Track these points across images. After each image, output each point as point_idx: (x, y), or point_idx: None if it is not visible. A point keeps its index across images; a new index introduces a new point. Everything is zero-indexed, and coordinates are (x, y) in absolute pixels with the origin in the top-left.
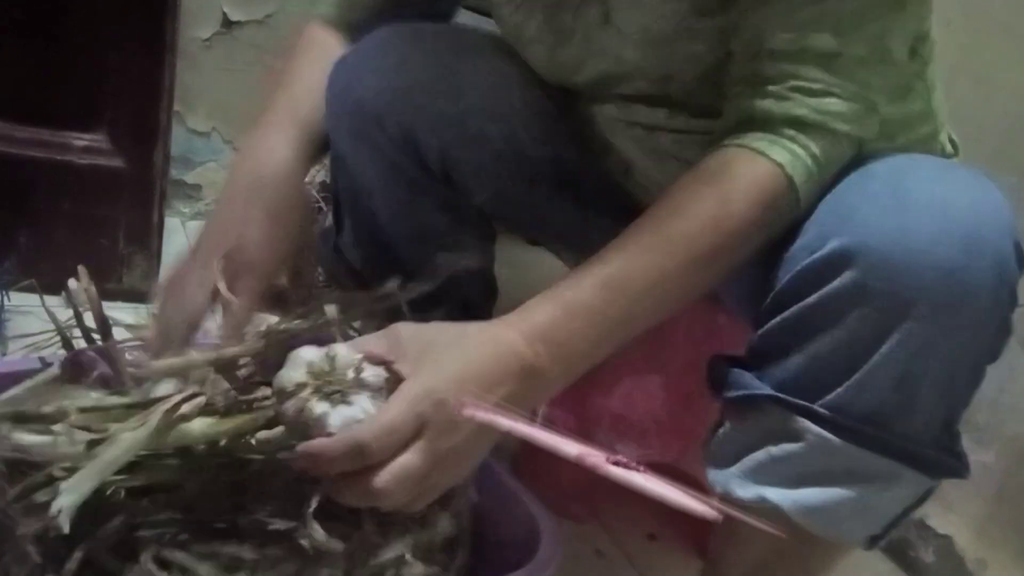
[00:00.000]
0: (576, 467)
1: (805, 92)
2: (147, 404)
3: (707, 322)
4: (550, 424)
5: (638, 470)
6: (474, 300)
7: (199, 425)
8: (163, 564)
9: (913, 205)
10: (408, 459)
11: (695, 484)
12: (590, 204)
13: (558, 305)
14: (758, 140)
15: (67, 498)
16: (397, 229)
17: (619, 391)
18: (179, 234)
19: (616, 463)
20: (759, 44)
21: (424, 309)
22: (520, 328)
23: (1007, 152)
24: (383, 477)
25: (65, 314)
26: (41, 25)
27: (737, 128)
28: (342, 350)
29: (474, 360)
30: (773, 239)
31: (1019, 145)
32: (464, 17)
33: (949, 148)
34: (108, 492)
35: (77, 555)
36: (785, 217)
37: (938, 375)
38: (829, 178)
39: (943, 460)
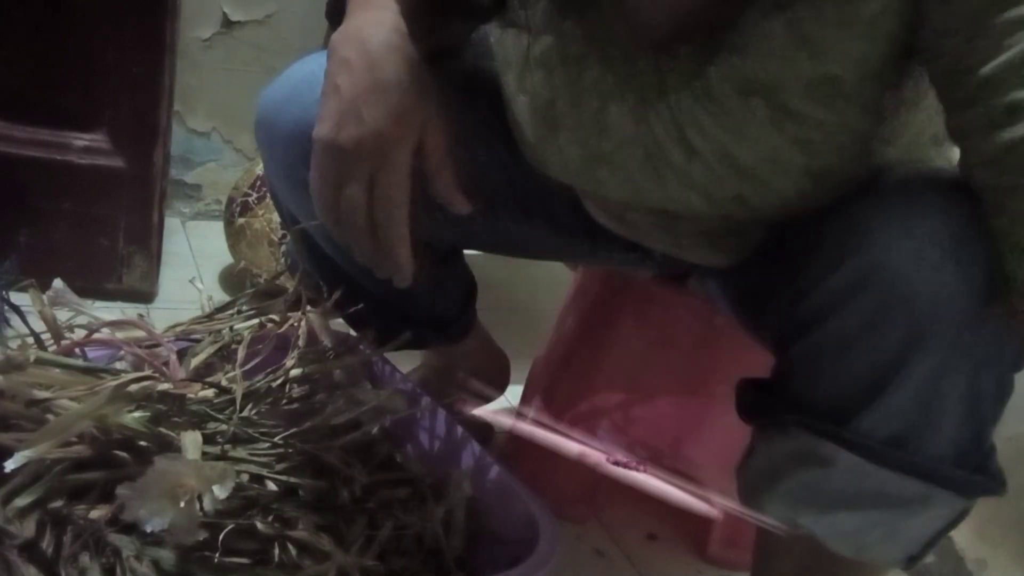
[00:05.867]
0: (574, 468)
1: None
2: (97, 371)
3: (704, 322)
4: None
5: (638, 470)
6: (451, 311)
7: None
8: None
9: (928, 221)
10: None
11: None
12: (545, 221)
13: None
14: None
15: (21, 457)
16: (341, 259)
17: (617, 392)
18: (179, 234)
19: (616, 463)
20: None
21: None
22: None
23: None
24: None
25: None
26: (41, 25)
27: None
28: None
29: None
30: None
31: None
32: None
33: None
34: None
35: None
36: None
37: (962, 392)
38: None
39: (974, 479)
